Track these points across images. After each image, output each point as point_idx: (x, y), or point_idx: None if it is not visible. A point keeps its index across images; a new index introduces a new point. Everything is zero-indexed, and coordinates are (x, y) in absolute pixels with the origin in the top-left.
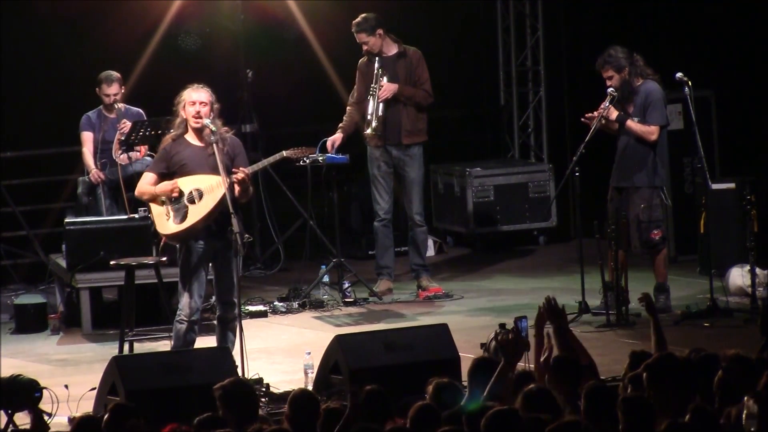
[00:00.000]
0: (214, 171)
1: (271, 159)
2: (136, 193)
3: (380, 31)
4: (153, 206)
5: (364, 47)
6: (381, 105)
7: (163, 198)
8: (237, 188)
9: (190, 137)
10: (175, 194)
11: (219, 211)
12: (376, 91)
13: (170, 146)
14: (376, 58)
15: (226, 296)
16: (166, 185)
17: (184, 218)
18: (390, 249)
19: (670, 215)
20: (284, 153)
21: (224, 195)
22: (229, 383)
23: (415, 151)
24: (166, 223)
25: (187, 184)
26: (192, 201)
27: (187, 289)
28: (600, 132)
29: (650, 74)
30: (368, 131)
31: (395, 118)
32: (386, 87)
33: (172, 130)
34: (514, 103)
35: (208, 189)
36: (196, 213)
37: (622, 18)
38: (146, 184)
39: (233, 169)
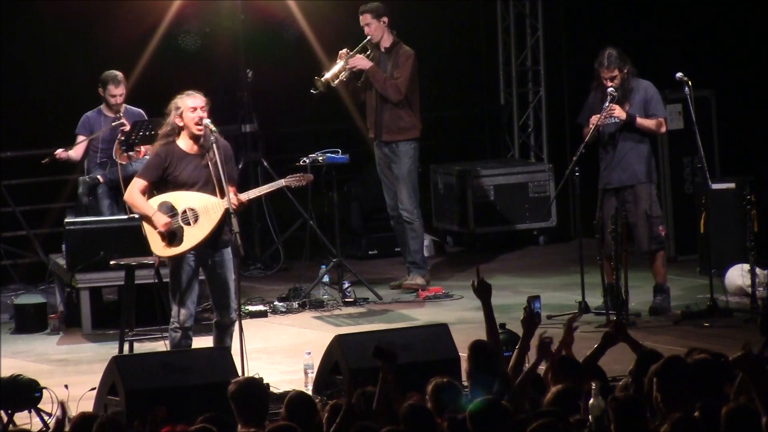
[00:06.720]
0: (207, 184)
1: (269, 187)
2: (126, 198)
3: (385, 19)
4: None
5: (366, 29)
6: (345, 71)
7: None
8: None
9: (183, 144)
10: (167, 227)
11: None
12: (350, 56)
13: (164, 153)
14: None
15: (221, 300)
16: (161, 222)
17: (180, 241)
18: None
19: (670, 215)
20: (282, 182)
21: (221, 218)
22: (242, 381)
23: (402, 147)
24: (160, 243)
25: (180, 200)
26: (187, 222)
27: (178, 296)
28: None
29: (636, 73)
30: (317, 78)
31: (379, 116)
32: (360, 58)
33: (160, 135)
34: (514, 103)
35: (203, 210)
36: (193, 237)
37: (622, 18)
38: (138, 194)
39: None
